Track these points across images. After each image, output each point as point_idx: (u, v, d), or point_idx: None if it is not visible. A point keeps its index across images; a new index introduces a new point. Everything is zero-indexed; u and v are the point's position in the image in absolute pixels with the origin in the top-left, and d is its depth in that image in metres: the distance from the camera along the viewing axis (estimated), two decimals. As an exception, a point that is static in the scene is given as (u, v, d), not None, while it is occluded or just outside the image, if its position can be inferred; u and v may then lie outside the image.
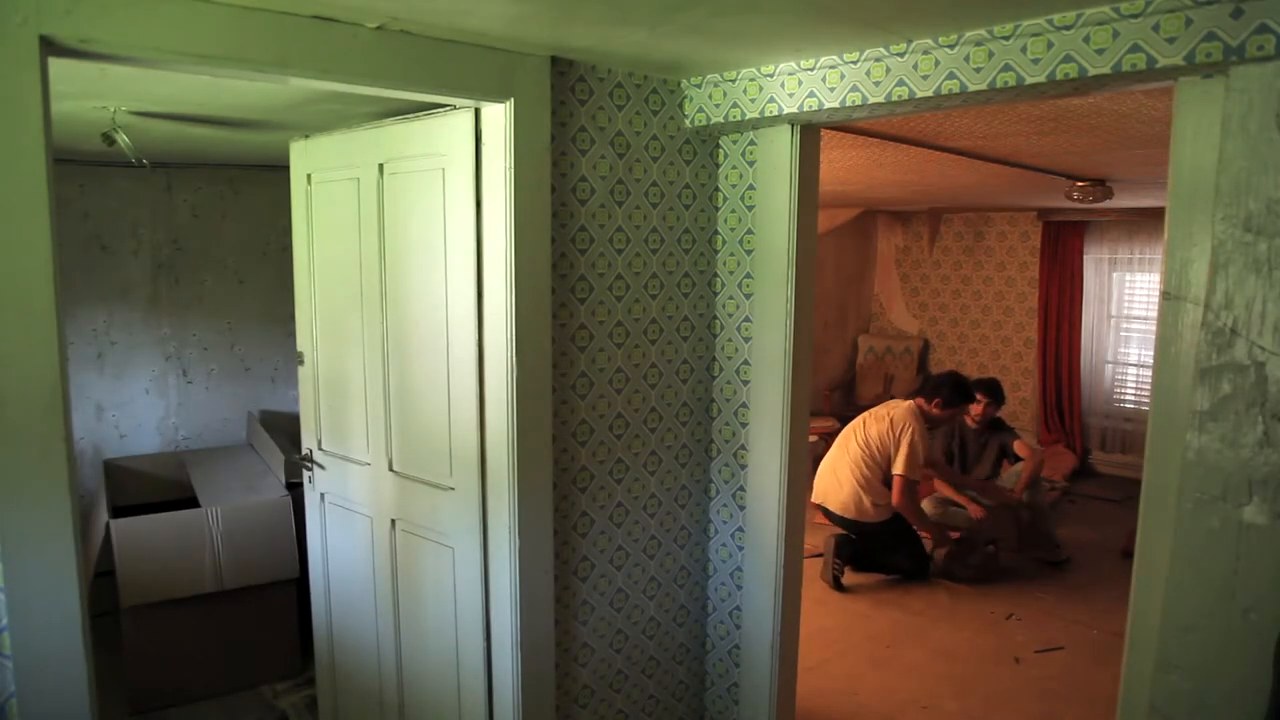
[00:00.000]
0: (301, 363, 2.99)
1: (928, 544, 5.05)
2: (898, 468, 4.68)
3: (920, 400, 4.95)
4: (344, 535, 2.90)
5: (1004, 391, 5.72)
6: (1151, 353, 1.91)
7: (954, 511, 5.60)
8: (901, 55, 2.04)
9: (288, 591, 3.57)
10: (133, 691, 3.33)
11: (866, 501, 4.73)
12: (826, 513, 4.94)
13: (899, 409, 4.86)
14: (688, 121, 2.55)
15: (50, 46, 1.54)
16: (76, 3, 1.54)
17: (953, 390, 4.97)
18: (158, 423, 4.32)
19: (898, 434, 4.74)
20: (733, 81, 2.40)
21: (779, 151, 2.51)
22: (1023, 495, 5.30)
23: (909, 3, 1.74)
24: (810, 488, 2.85)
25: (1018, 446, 5.48)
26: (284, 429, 4.38)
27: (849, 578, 4.82)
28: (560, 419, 2.40)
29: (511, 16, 1.83)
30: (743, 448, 2.73)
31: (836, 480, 4.84)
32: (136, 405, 4.25)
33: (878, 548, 4.89)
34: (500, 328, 2.23)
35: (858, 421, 4.97)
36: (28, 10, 1.48)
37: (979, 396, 5.56)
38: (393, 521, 2.67)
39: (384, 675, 2.79)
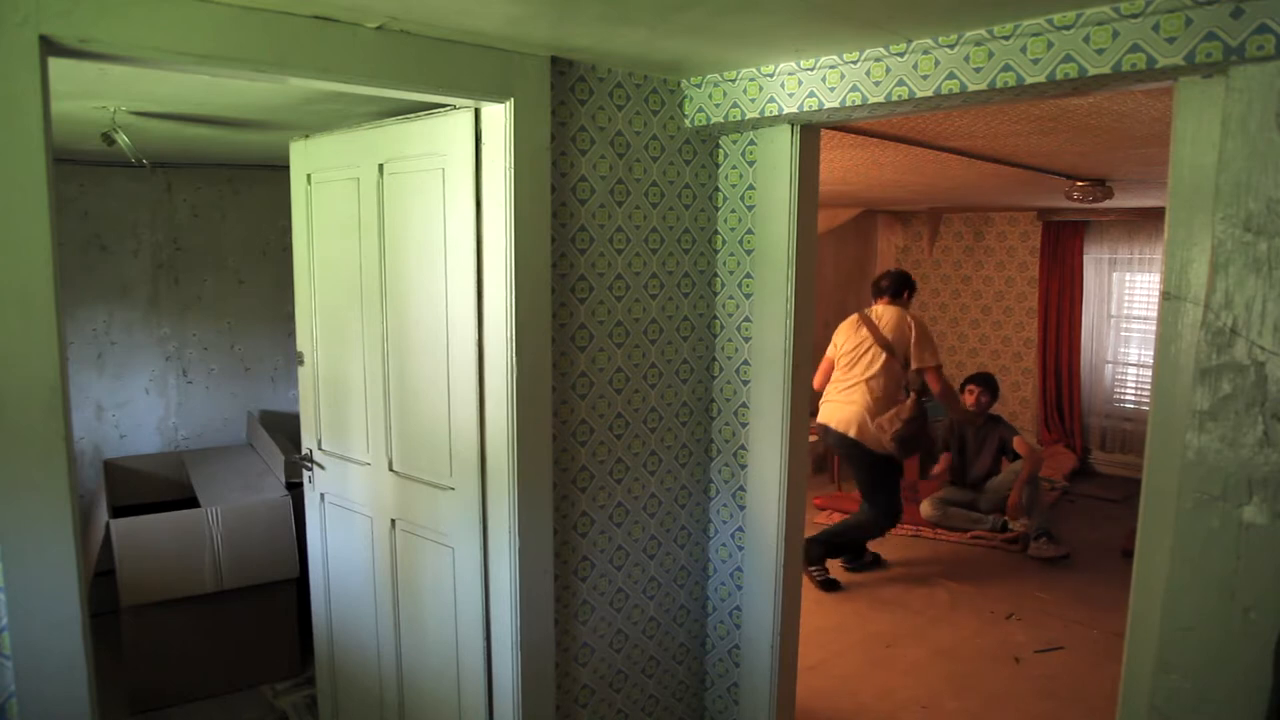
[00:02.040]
0: (301, 363, 2.99)
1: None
2: (928, 361, 4.68)
3: (884, 300, 4.87)
4: (344, 535, 2.90)
5: (998, 385, 5.83)
6: (1151, 353, 1.91)
7: (954, 512, 5.63)
8: (901, 55, 2.04)
9: (288, 591, 3.57)
10: (133, 691, 3.33)
11: (871, 424, 4.63)
12: (828, 432, 4.81)
13: (888, 316, 4.76)
14: (688, 121, 2.55)
15: (50, 46, 1.54)
16: (76, 3, 1.53)
17: (902, 278, 4.93)
18: (158, 423, 4.32)
19: (909, 335, 4.70)
20: (733, 81, 2.40)
21: (779, 151, 2.51)
22: (1020, 494, 5.33)
23: (909, 3, 1.74)
24: (807, 484, 2.83)
25: (1016, 443, 5.52)
26: (284, 429, 4.38)
27: (846, 576, 4.83)
28: (560, 419, 2.40)
29: (511, 16, 1.83)
30: (743, 448, 2.73)
31: (847, 399, 4.72)
32: (136, 405, 4.25)
33: (863, 480, 4.81)
34: (500, 328, 2.23)
35: (850, 344, 4.78)
36: (28, 10, 1.48)
37: (970, 387, 5.71)
38: (393, 521, 2.67)
39: (384, 675, 2.79)
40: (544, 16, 1.84)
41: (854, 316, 4.89)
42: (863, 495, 4.87)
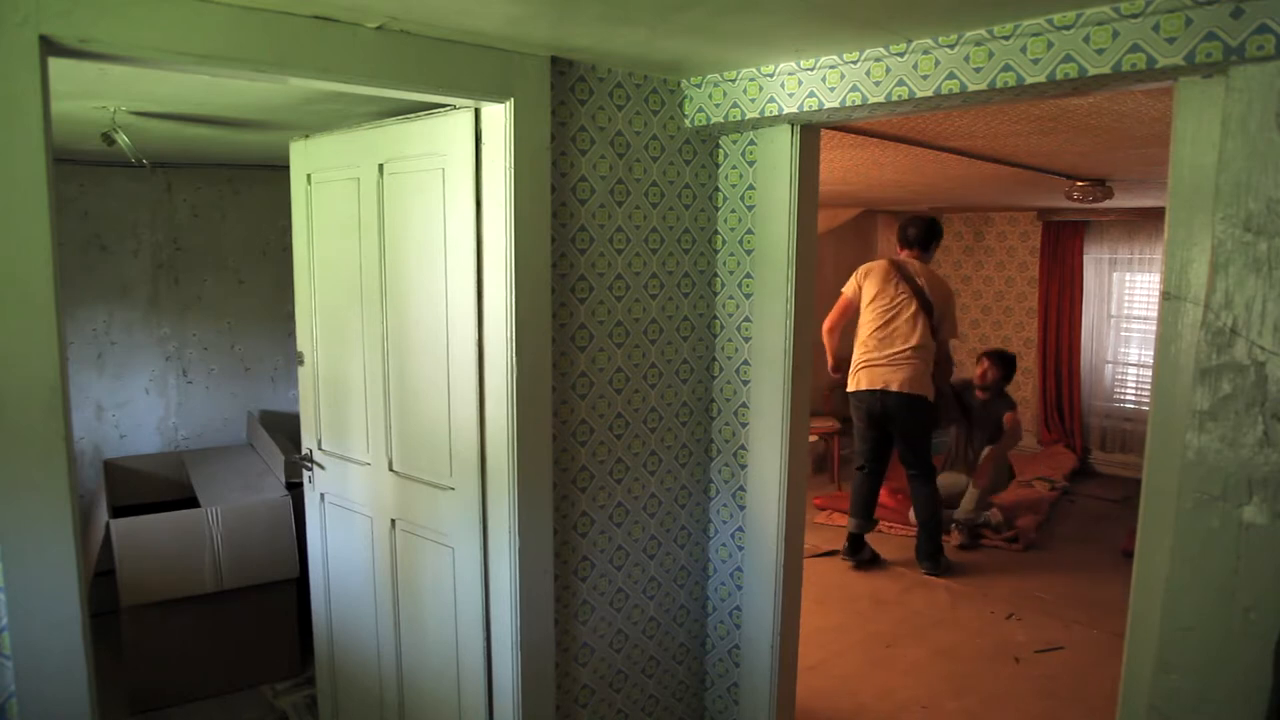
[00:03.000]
0: (301, 363, 2.99)
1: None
2: (954, 332, 4.89)
3: (914, 253, 4.85)
4: (344, 535, 2.90)
5: (1014, 365, 5.85)
6: (1151, 353, 1.91)
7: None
8: (901, 55, 2.04)
9: (288, 591, 3.57)
10: (133, 691, 3.33)
11: (926, 376, 4.69)
12: (885, 395, 4.68)
13: (926, 274, 4.77)
14: (688, 121, 2.55)
15: (50, 46, 1.54)
16: (76, 3, 1.53)
17: (930, 228, 4.91)
18: (158, 423, 4.32)
19: (948, 301, 4.81)
20: (733, 81, 2.40)
21: (779, 151, 2.51)
22: (972, 514, 5.42)
23: (909, 3, 1.74)
24: (807, 484, 2.82)
25: (1006, 418, 5.59)
26: (284, 429, 4.38)
27: (844, 575, 4.86)
28: (560, 419, 2.40)
29: (511, 16, 1.83)
30: (743, 448, 2.73)
31: (895, 362, 4.67)
32: (136, 405, 4.25)
33: (919, 436, 4.81)
34: (500, 327, 2.23)
35: (885, 300, 4.73)
36: (28, 10, 1.48)
37: (982, 360, 5.69)
38: (393, 521, 2.67)
39: (384, 675, 2.79)
40: (544, 16, 1.84)
41: (884, 263, 4.80)
42: (915, 452, 4.83)
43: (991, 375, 5.71)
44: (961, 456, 5.91)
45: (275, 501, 3.55)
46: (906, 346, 4.67)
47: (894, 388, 4.67)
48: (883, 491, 5.69)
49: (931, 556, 4.89)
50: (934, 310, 4.73)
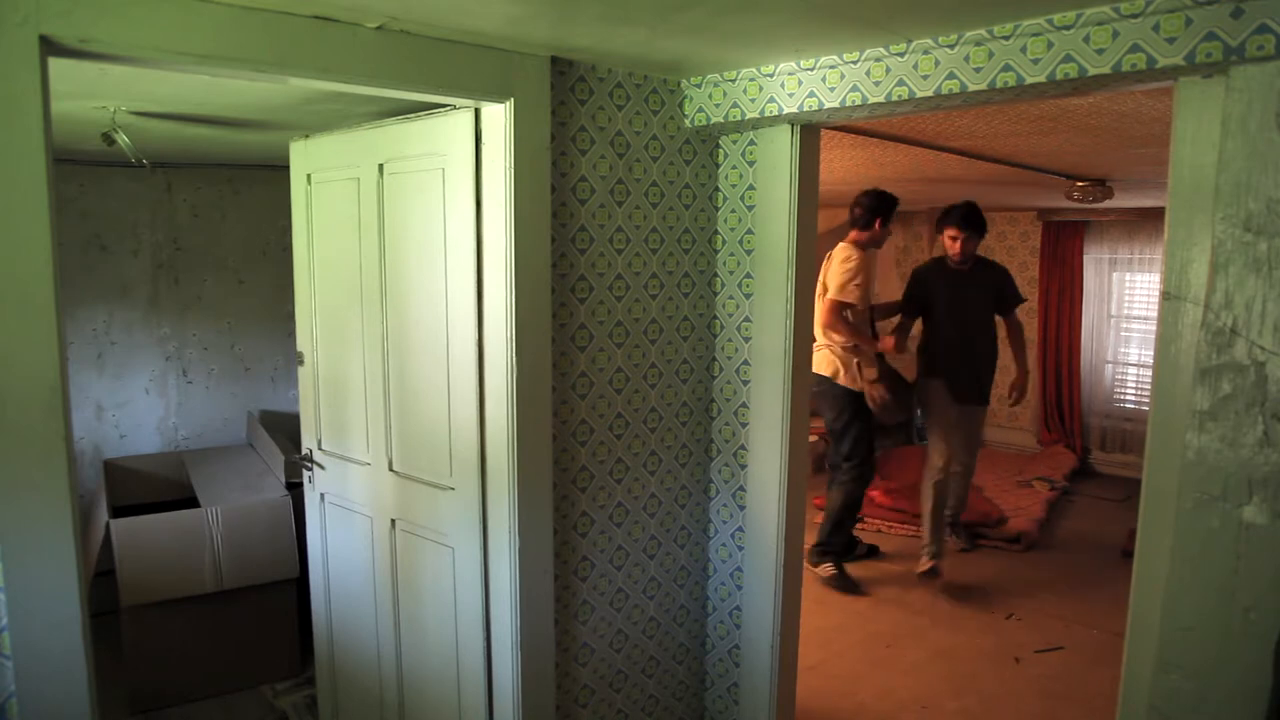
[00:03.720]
0: (301, 363, 2.99)
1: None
2: (832, 294, 4.35)
3: (855, 233, 4.49)
4: (344, 535, 2.90)
5: (983, 219, 4.57)
6: (1151, 353, 1.91)
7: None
8: (901, 55, 2.04)
9: (288, 591, 3.57)
10: (133, 691, 3.33)
11: (839, 360, 4.49)
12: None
13: (836, 253, 4.47)
14: (688, 121, 2.55)
15: (50, 46, 1.54)
16: (76, 3, 1.53)
17: (874, 204, 4.41)
18: (158, 423, 4.32)
19: (828, 266, 4.45)
20: (733, 81, 2.40)
21: (779, 151, 2.51)
22: (1023, 374, 4.81)
23: (909, 3, 1.74)
24: (807, 484, 2.82)
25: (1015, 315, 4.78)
26: (284, 429, 4.38)
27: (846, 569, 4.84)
28: (560, 419, 2.40)
29: (511, 16, 1.83)
30: (743, 448, 2.73)
31: (821, 347, 4.55)
32: (136, 405, 4.25)
33: (832, 420, 4.60)
34: (500, 327, 2.23)
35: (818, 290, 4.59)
36: (28, 10, 1.48)
37: (951, 231, 4.52)
38: (393, 521, 2.67)
39: (384, 675, 2.79)
40: (544, 16, 1.84)
41: (827, 255, 4.64)
42: (832, 440, 4.63)
43: (969, 246, 4.53)
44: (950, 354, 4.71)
45: (275, 501, 3.54)
46: (817, 332, 4.54)
47: (812, 369, 4.49)
48: (879, 491, 5.68)
49: (818, 547, 4.65)
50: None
